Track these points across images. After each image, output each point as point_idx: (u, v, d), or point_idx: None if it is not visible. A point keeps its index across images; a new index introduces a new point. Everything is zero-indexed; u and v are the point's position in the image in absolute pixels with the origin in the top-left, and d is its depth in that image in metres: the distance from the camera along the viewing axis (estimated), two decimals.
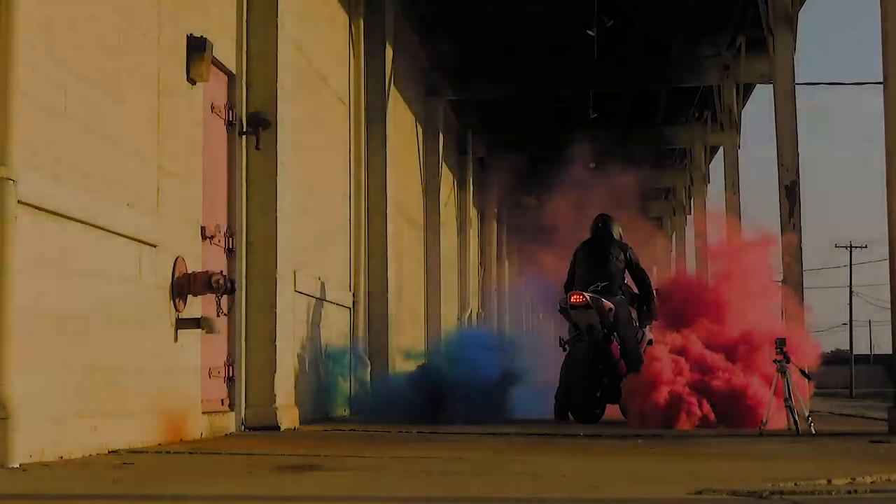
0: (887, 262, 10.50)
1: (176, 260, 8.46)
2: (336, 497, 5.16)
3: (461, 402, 12.16)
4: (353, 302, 14.63)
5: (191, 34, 8.81)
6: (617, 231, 13.20)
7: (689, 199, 29.31)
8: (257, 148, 10.13)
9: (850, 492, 5.47)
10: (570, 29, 19.72)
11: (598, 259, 12.80)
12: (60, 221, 6.67)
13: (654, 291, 13.03)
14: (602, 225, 13.19)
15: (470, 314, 24.57)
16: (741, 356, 12.16)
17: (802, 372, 10.96)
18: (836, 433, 10.64)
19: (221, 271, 9.14)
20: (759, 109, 50.25)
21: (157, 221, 8.12)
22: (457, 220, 24.87)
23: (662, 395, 11.41)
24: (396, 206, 16.71)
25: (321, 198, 13.20)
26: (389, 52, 15.79)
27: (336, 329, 13.70)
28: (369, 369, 14.73)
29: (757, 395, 11.37)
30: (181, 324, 8.51)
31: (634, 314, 13.02)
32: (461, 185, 25.40)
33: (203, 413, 8.95)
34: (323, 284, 12.94)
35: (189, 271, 8.63)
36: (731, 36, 20.68)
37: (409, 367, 13.92)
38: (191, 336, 8.72)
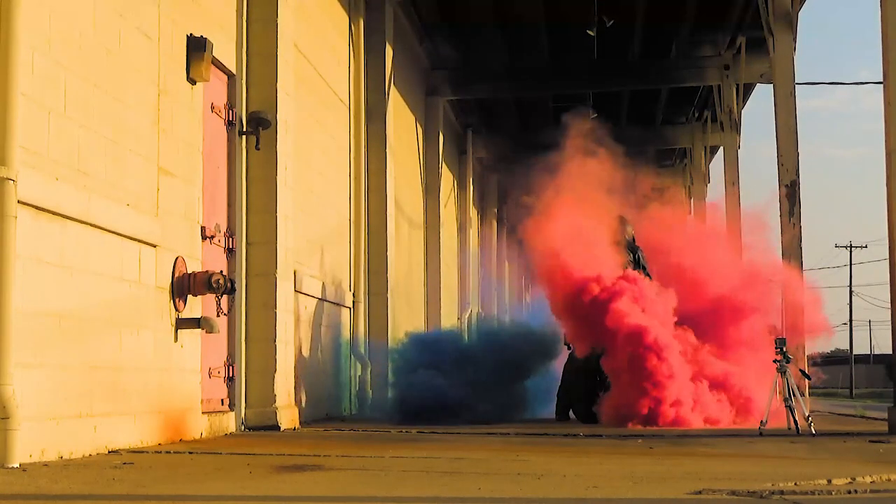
0: (887, 262, 10.50)
1: (176, 260, 8.46)
2: (336, 497, 5.16)
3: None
4: (353, 302, 14.63)
5: (191, 34, 8.81)
6: (629, 232, 13.29)
7: (690, 198, 29.33)
8: (257, 148, 10.13)
9: (850, 492, 5.48)
10: (570, 29, 19.72)
11: None
12: (60, 221, 6.68)
13: None
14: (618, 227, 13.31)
15: (470, 314, 24.55)
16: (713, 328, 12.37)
17: (802, 372, 10.97)
18: (836, 433, 10.63)
19: (221, 271, 9.15)
20: (761, 107, 50.31)
21: (157, 221, 8.12)
22: (457, 219, 24.86)
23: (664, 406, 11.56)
24: (396, 206, 16.71)
25: (321, 198, 13.20)
26: (389, 52, 15.79)
27: (336, 329, 13.70)
28: (369, 369, 14.73)
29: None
30: (181, 324, 8.51)
31: None
32: (461, 185, 25.38)
33: (203, 413, 8.95)
34: (323, 284, 12.94)
35: (189, 271, 8.63)
36: (731, 36, 20.69)
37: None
38: (191, 336, 8.72)
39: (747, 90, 22.59)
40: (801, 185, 14.96)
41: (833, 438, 9.84)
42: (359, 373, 14.60)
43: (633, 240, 13.32)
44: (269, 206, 10.21)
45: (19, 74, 6.11)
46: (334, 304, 13.57)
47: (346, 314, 14.31)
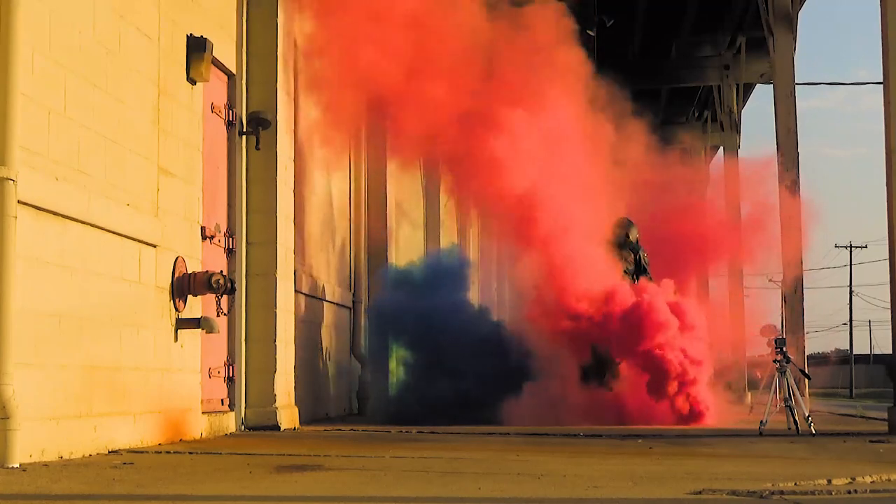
0: (887, 262, 10.51)
1: (176, 260, 8.46)
2: (336, 497, 5.16)
3: None
4: (354, 302, 14.63)
5: (191, 34, 8.81)
6: (633, 234, 13.71)
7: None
8: (257, 148, 10.13)
9: (850, 492, 5.48)
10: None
11: None
12: (60, 221, 6.67)
13: None
14: (617, 227, 13.64)
15: None
16: None
17: (802, 372, 10.98)
18: (836, 433, 10.64)
19: (221, 271, 9.14)
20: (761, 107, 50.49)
21: (157, 221, 8.12)
22: (457, 219, 24.84)
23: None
24: (396, 206, 16.70)
25: (321, 197, 13.20)
26: None
27: (336, 329, 13.70)
28: (369, 369, 14.73)
29: None
30: (181, 324, 8.50)
31: None
32: None
33: (203, 413, 8.95)
34: (323, 284, 12.93)
35: (189, 271, 8.63)
36: (731, 36, 20.71)
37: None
38: (191, 336, 8.72)
39: (747, 90, 22.62)
40: (800, 185, 15.00)
41: (833, 438, 9.84)
42: (359, 373, 14.61)
43: (637, 241, 13.64)
44: (269, 206, 10.20)
45: (19, 74, 6.11)
46: (334, 304, 13.56)
47: (346, 314, 14.30)
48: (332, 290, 13.41)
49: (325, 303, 13.03)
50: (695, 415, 12.08)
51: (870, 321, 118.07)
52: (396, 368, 14.05)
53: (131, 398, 7.62)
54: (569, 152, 12.78)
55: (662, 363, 12.11)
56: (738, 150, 22.46)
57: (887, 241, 10.41)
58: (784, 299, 15.13)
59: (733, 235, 15.06)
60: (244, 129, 10.13)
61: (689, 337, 12.46)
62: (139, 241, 7.80)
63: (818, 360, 66.38)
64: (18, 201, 6.08)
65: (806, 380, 12.69)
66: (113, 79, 7.45)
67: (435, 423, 11.18)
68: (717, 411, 12.54)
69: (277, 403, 10.06)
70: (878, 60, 10.60)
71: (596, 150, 12.96)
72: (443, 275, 14.11)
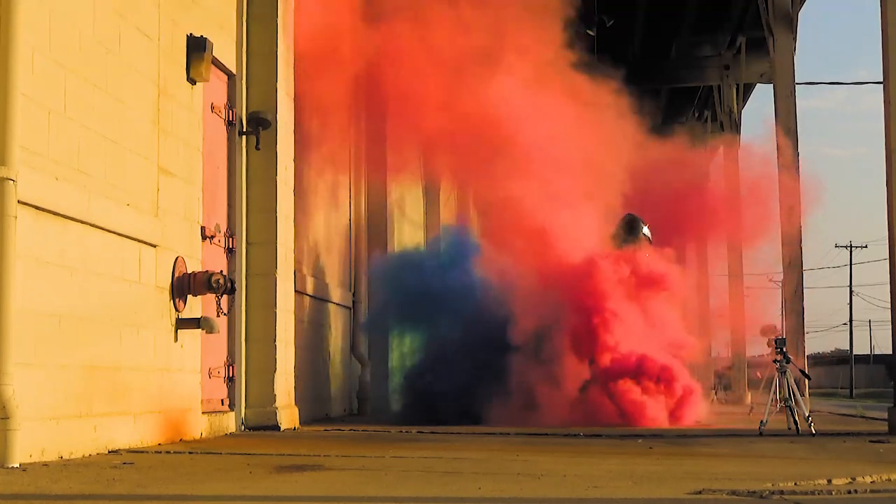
0: (887, 262, 10.51)
1: (176, 260, 8.46)
2: (336, 497, 5.16)
3: None
4: (354, 302, 14.63)
5: (191, 34, 8.81)
6: (639, 230, 13.80)
7: None
8: (257, 148, 10.13)
9: (850, 492, 5.48)
10: (570, 29, 19.70)
11: None
12: (60, 221, 6.67)
13: None
14: (624, 224, 13.85)
15: None
16: None
17: (802, 372, 10.98)
18: (836, 433, 10.64)
19: (221, 271, 9.15)
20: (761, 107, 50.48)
21: (157, 221, 8.12)
22: (457, 217, 24.83)
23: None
24: (396, 206, 16.70)
25: (322, 197, 13.20)
26: None
27: (336, 329, 13.70)
28: (369, 369, 14.74)
29: None
30: (181, 324, 8.50)
31: None
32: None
33: (203, 413, 8.95)
34: (323, 284, 12.93)
35: (189, 271, 8.63)
36: (731, 36, 20.72)
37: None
38: (191, 336, 8.72)
39: (747, 90, 22.62)
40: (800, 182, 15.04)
41: (833, 438, 9.85)
42: (359, 373, 14.61)
43: (645, 236, 13.79)
44: (269, 206, 10.20)
45: (19, 74, 6.11)
46: (334, 304, 13.56)
47: (346, 314, 14.30)
48: (333, 290, 13.41)
49: (325, 303, 13.02)
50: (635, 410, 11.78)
51: (870, 321, 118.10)
52: (398, 361, 14.03)
53: (131, 398, 7.62)
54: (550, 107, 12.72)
55: (589, 323, 11.93)
56: (738, 150, 22.49)
57: (887, 241, 10.42)
58: (784, 300, 15.15)
59: (732, 215, 15.08)
60: (244, 129, 10.14)
61: (664, 330, 12.35)
62: (139, 241, 7.80)
63: (818, 359, 66.42)
64: (18, 201, 6.08)
65: (806, 380, 12.68)
66: (113, 79, 7.45)
67: (435, 421, 11.18)
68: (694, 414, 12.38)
69: (277, 403, 10.06)
70: (878, 60, 10.61)
71: (582, 112, 12.88)
72: (446, 260, 14.02)
